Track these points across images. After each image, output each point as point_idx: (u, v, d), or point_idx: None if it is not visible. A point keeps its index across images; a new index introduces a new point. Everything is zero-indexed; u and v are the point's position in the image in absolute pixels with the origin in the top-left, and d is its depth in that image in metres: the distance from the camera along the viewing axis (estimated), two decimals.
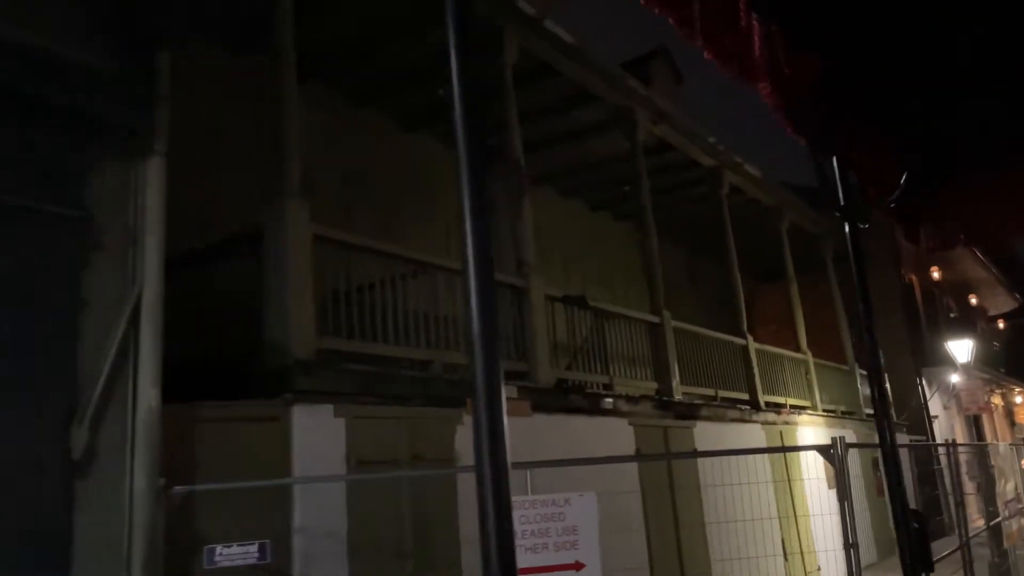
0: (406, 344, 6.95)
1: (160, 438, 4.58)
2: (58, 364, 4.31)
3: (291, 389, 5.67)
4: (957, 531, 8.33)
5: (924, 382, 18.69)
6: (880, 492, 14.42)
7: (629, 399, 9.39)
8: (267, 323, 6.01)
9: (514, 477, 4.34)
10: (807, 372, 14.91)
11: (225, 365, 5.98)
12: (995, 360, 25.60)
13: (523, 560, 4.63)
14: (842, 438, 5.34)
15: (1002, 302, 28.11)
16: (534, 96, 10.26)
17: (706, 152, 13.31)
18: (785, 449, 11.80)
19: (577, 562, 4.76)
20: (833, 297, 16.85)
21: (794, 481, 11.10)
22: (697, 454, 9.79)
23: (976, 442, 17.96)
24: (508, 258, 8.89)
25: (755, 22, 2.31)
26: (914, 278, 20.68)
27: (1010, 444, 12.25)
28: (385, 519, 5.98)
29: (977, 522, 9.97)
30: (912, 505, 3.13)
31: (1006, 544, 9.09)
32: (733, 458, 7.28)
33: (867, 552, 12.91)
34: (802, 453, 10.19)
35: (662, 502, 9.21)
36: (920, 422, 17.80)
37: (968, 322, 22.07)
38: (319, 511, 5.56)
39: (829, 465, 5.44)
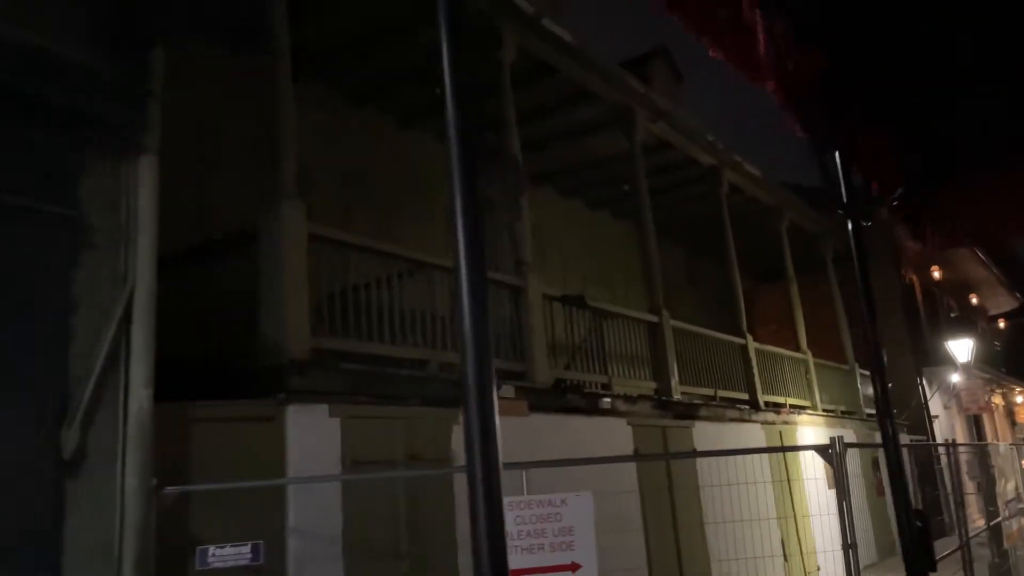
0: (402, 343, 6.92)
1: (152, 438, 4.54)
2: (48, 364, 4.27)
3: (286, 389, 5.63)
4: (957, 531, 8.29)
5: (924, 382, 18.64)
6: (880, 492, 14.40)
7: (627, 399, 9.36)
8: (262, 322, 5.98)
9: (510, 477, 4.28)
10: (807, 372, 14.87)
11: (220, 364, 5.94)
12: (996, 360, 25.56)
13: (519, 561, 4.60)
14: (840, 438, 5.30)
15: (1003, 301, 28.05)
16: (532, 95, 10.23)
17: (705, 151, 13.28)
18: (784, 449, 11.77)
19: (573, 563, 4.72)
20: (833, 297, 16.82)
21: (794, 481, 11.07)
22: (696, 454, 9.75)
23: (976, 442, 17.92)
24: (506, 257, 8.85)
25: (760, 19, 2.31)
26: (914, 277, 20.64)
27: (1010, 444, 12.22)
28: (381, 520, 5.94)
29: (977, 522, 9.93)
30: (913, 505, 3.10)
31: (1006, 544, 9.06)
32: (732, 458, 7.24)
33: (867, 552, 12.90)
34: (802, 453, 10.15)
35: (661, 502, 9.17)
36: (920, 422, 17.75)
37: (968, 321, 22.02)
38: (314, 512, 5.52)
39: (829, 465, 5.41)
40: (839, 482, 5.18)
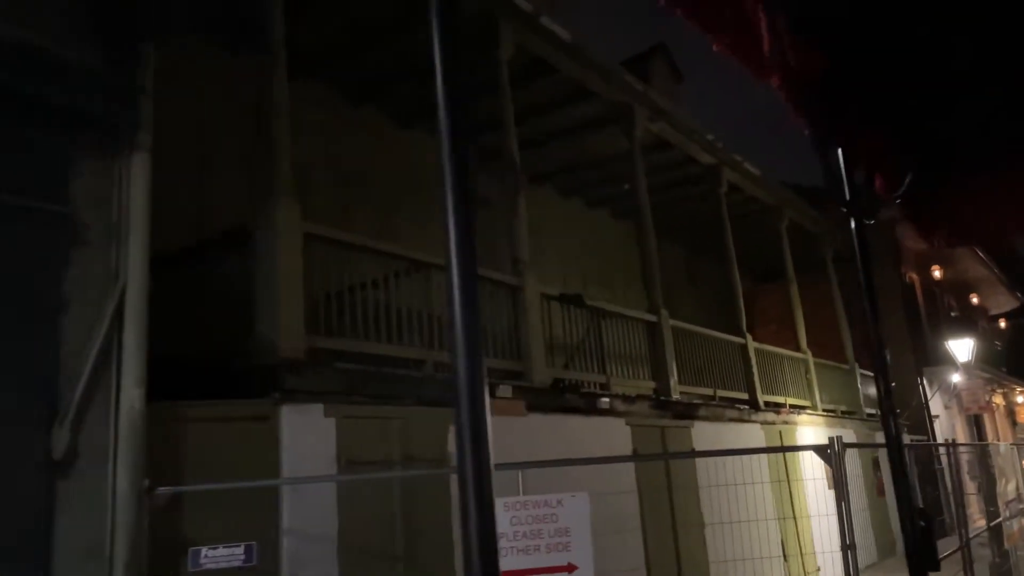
0: (399, 343, 6.88)
1: (144, 438, 4.51)
2: (39, 363, 4.23)
3: (280, 388, 5.59)
4: (958, 531, 8.26)
5: (925, 382, 18.60)
6: (880, 492, 14.36)
7: (626, 399, 9.32)
8: (257, 321, 5.94)
9: (506, 478, 4.24)
10: (807, 372, 14.83)
11: (216, 364, 5.90)
12: (996, 359, 25.51)
13: (514, 562, 4.56)
14: (839, 438, 5.26)
15: (1003, 301, 28.04)
16: (531, 93, 10.20)
17: (705, 150, 13.24)
18: (782, 449, 11.73)
19: (569, 564, 4.68)
20: (833, 297, 16.78)
21: (794, 481, 11.02)
22: (695, 454, 9.71)
23: (976, 442, 17.89)
24: (504, 256, 8.81)
25: (762, 15, 2.30)
26: (915, 277, 20.61)
27: (1011, 444, 12.19)
28: (376, 521, 5.90)
29: (978, 522, 9.90)
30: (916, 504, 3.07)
31: (1007, 544, 9.03)
32: (732, 458, 7.19)
33: (867, 553, 12.85)
34: (802, 453, 10.10)
35: (659, 503, 9.13)
36: (921, 422, 17.71)
37: (969, 321, 21.99)
38: (308, 512, 5.48)
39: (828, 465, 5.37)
40: (838, 482, 5.14)
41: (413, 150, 10.40)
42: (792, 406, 13.64)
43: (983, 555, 8.89)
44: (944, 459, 10.83)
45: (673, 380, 10.46)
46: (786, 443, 12.42)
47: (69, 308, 4.39)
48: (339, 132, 9.91)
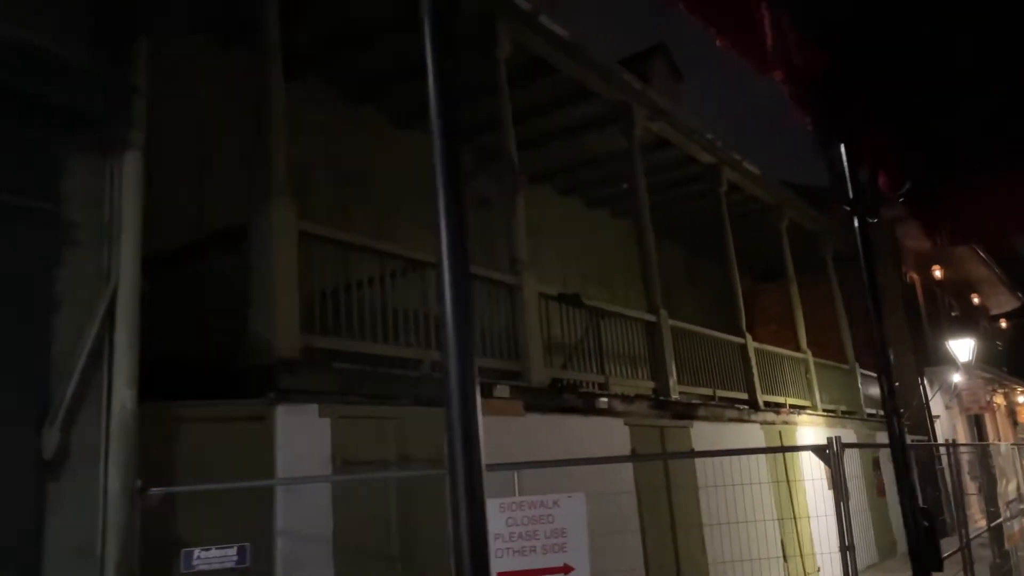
0: (395, 343, 6.84)
1: (136, 438, 4.47)
2: (29, 363, 4.20)
3: (275, 388, 5.55)
4: (958, 532, 8.22)
5: (926, 382, 18.55)
6: (881, 492, 14.31)
7: (624, 398, 9.28)
8: (252, 321, 5.91)
9: (502, 478, 4.19)
10: (807, 372, 14.79)
11: (211, 364, 5.87)
12: (997, 359, 25.45)
13: (510, 563, 4.52)
14: (838, 438, 5.23)
15: (1004, 301, 27.99)
16: (530, 92, 10.17)
17: (704, 149, 13.20)
18: (780, 449, 11.69)
19: (566, 565, 4.65)
20: (833, 296, 16.74)
21: (794, 482, 10.98)
22: (694, 454, 9.67)
23: (977, 442, 17.84)
24: (503, 256, 8.77)
25: (766, 11, 2.30)
26: (915, 277, 20.57)
27: (1012, 444, 12.15)
28: (372, 521, 5.86)
29: (979, 522, 9.86)
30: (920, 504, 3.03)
31: (1007, 545, 8.99)
32: (731, 458, 7.15)
33: (868, 553, 12.81)
34: (802, 453, 10.06)
35: (658, 503, 9.09)
36: (922, 422, 17.67)
37: (970, 321, 21.97)
38: (303, 513, 5.44)
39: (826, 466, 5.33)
40: (836, 483, 5.11)
41: (413, 150, 10.37)
42: (792, 406, 13.60)
43: (984, 556, 8.86)
44: (944, 459, 10.79)
45: (672, 380, 10.42)
46: (786, 443, 12.38)
47: (60, 308, 4.35)
48: (339, 132, 9.89)
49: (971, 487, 11.10)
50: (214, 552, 4.43)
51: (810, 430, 13.43)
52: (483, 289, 7.94)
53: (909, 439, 16.19)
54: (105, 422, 4.36)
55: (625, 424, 9.07)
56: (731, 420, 11.32)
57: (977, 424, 22.96)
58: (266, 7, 6.64)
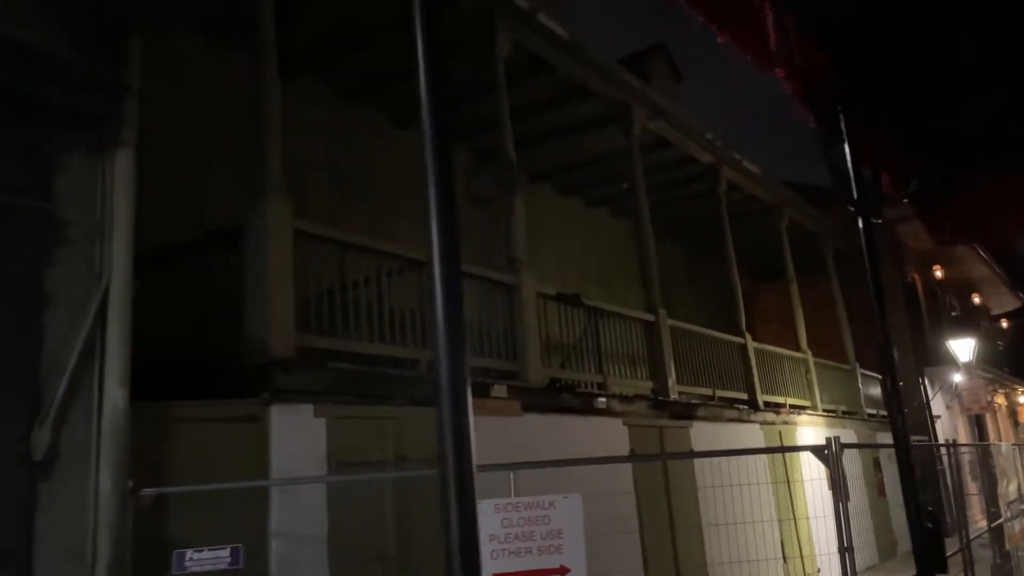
0: (392, 342, 6.80)
1: (128, 438, 4.43)
2: (19, 362, 4.16)
3: (270, 388, 5.52)
4: (958, 532, 8.18)
5: (926, 382, 18.51)
6: (882, 492, 14.27)
7: (623, 398, 9.24)
8: (247, 320, 5.87)
9: (498, 479, 4.14)
10: (807, 372, 14.74)
11: (205, 363, 5.84)
12: (998, 359, 25.39)
13: (506, 564, 4.48)
14: (836, 438, 5.18)
15: (1006, 301, 27.93)
16: (529, 91, 10.14)
17: (704, 148, 13.17)
18: (779, 450, 11.64)
19: (562, 566, 4.60)
20: (834, 296, 16.69)
21: (794, 482, 10.94)
22: (693, 454, 9.63)
23: (978, 442, 17.80)
24: (501, 256, 8.74)
25: (770, 11, 2.30)
26: (916, 277, 20.51)
27: (1013, 444, 12.11)
28: (368, 522, 5.82)
29: (980, 523, 9.82)
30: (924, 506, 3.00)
31: (1008, 545, 8.95)
32: (731, 459, 7.12)
33: (868, 554, 12.76)
34: (802, 453, 10.02)
35: (657, 504, 9.05)
36: (922, 422, 17.62)
37: (971, 321, 21.91)
38: (298, 514, 5.40)
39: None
40: (835, 483, 5.06)
41: (413, 150, 10.30)
42: (792, 406, 13.55)
43: (984, 556, 8.82)
44: (945, 460, 10.75)
45: (671, 380, 10.38)
46: (786, 444, 12.33)
47: (52, 306, 4.31)
48: (339, 132, 9.87)
49: (972, 487, 11.07)
50: (206, 553, 4.38)
51: (810, 430, 13.38)
52: (481, 288, 7.90)
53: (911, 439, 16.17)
54: (96, 422, 4.32)
55: (624, 424, 9.03)
56: (731, 420, 11.28)
57: (978, 424, 22.90)
58: (261, 5, 6.62)
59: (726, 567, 8.48)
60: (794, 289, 14.99)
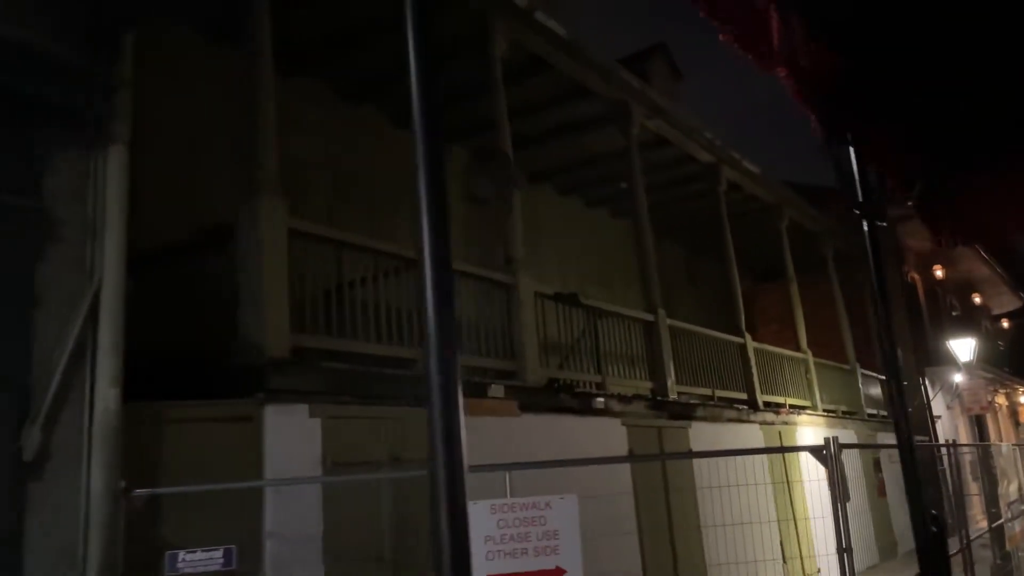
0: (388, 342, 6.76)
1: (120, 439, 4.39)
2: (10, 362, 4.12)
3: (264, 388, 5.48)
4: (958, 533, 8.15)
5: (927, 382, 18.46)
6: (882, 493, 14.23)
7: (622, 398, 9.20)
8: (241, 320, 5.83)
9: (494, 479, 4.09)
10: (807, 372, 14.71)
11: (199, 363, 5.80)
12: (999, 360, 25.36)
13: (501, 566, 4.44)
14: (835, 438, 5.14)
15: (1006, 301, 27.89)
16: (527, 90, 10.09)
17: (704, 148, 13.13)
18: (778, 450, 11.61)
19: (558, 567, 4.56)
20: (834, 296, 16.66)
21: (794, 483, 10.89)
22: (692, 455, 9.59)
23: (978, 442, 17.75)
24: (499, 255, 8.70)
25: (775, 12, 2.29)
26: (916, 276, 20.48)
27: (1013, 445, 12.07)
28: (364, 523, 5.78)
29: (980, 523, 9.78)
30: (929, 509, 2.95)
31: (1008, 546, 8.91)
32: (730, 459, 7.08)
33: (868, 554, 12.72)
34: (802, 453, 9.98)
35: (656, 504, 9.01)
36: (923, 422, 17.57)
37: (971, 321, 21.87)
38: (292, 515, 5.36)
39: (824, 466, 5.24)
40: (834, 484, 5.02)
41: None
42: (792, 406, 13.52)
43: (984, 556, 8.78)
44: (946, 460, 10.71)
45: (670, 380, 10.34)
46: (786, 444, 12.30)
47: (42, 305, 4.28)
48: (338, 131, 9.84)
49: (972, 488, 11.03)
50: (199, 555, 4.34)
51: (810, 430, 13.35)
52: (479, 288, 7.86)
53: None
54: (88, 422, 4.29)
55: (622, 424, 8.99)
56: (730, 420, 11.24)
57: (978, 424, 22.84)
58: (255, 2, 6.57)
59: (725, 568, 8.43)
60: (794, 289, 14.95)
